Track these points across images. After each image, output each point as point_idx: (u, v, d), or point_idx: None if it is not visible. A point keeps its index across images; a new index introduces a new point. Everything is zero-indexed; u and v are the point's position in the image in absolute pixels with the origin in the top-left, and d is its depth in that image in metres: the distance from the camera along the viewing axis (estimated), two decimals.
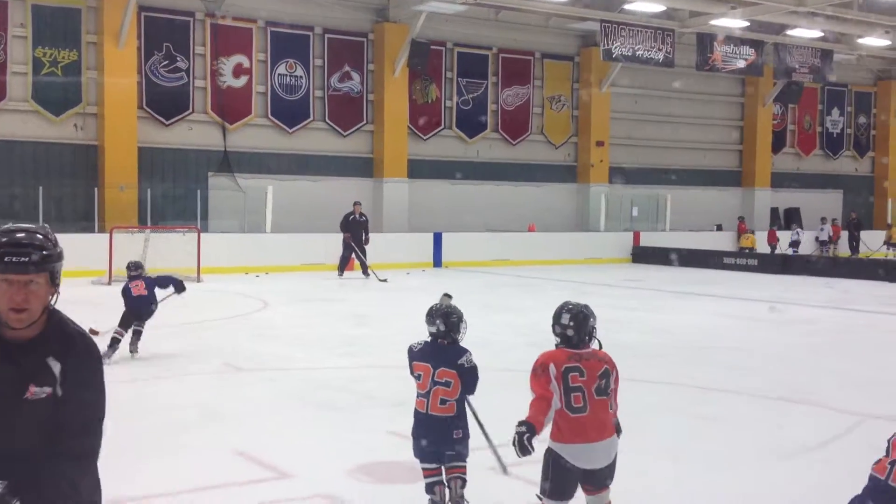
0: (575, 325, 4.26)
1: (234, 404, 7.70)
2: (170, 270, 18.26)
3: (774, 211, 32.56)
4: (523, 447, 4.00)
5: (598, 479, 4.25)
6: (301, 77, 24.14)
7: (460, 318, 4.78)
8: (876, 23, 26.67)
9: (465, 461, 4.69)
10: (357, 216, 20.19)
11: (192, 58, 22.64)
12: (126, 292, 10.23)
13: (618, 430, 4.29)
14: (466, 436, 4.68)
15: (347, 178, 24.80)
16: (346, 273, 19.87)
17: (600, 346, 4.37)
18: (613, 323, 12.80)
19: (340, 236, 20.29)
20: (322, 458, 5.85)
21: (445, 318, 4.72)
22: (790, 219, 32.37)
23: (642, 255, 26.12)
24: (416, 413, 4.68)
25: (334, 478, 5.37)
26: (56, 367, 2.65)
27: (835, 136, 34.66)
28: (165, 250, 18.24)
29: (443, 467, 4.68)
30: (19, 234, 2.66)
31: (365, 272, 19.59)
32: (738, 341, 11.93)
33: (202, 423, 7.04)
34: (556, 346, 4.31)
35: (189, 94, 22.71)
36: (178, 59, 22.46)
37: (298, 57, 24.09)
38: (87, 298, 15.30)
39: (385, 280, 18.50)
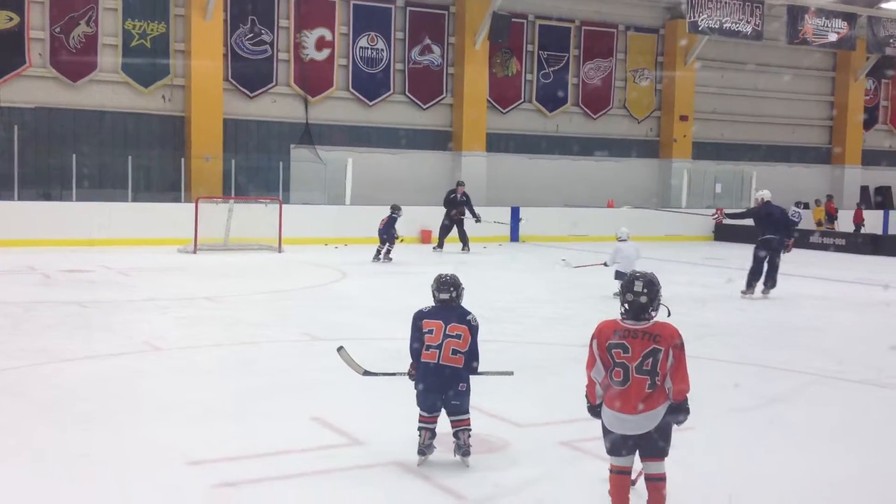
0: (648, 292, 4.37)
1: (310, 373, 7.87)
2: (252, 240, 18.81)
3: (865, 189, 31.53)
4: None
5: (644, 448, 4.40)
6: (382, 50, 24.26)
7: (463, 287, 5.56)
8: None
9: (468, 413, 5.35)
10: (458, 196, 20.22)
11: (276, 31, 22.94)
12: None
13: (682, 409, 4.38)
14: (468, 390, 5.31)
15: (426, 151, 24.90)
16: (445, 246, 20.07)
17: (669, 314, 4.41)
18: (692, 301, 12.65)
19: (418, 209, 20.54)
20: (394, 426, 5.96)
21: (456, 287, 5.47)
22: (883, 198, 31.31)
23: (725, 232, 25.60)
24: (425, 366, 5.27)
25: (406, 446, 5.47)
26: None
27: None
28: (248, 220, 18.64)
29: (449, 420, 5.31)
30: None
31: (466, 246, 19.82)
32: (819, 321, 11.66)
33: (279, 389, 7.22)
34: (622, 315, 4.44)
35: (273, 66, 23.04)
36: (262, 32, 22.79)
37: (380, 30, 24.19)
38: (174, 265, 15.79)
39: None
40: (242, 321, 10.38)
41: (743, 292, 13.50)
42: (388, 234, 17.42)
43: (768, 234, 13.55)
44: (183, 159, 21.40)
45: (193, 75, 21.59)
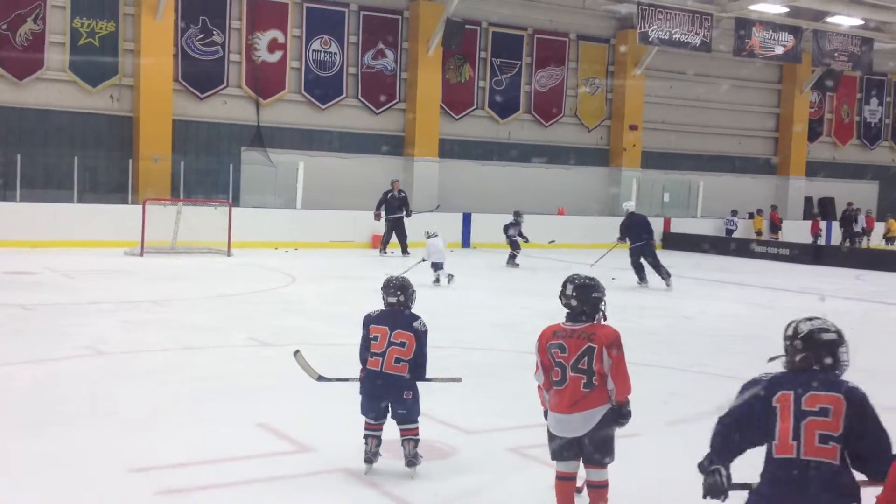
0: (578, 296, 4.46)
1: (257, 378, 7.81)
2: (200, 244, 18.61)
3: (809, 200, 32.20)
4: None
5: (585, 454, 4.45)
6: (335, 53, 24.19)
7: (414, 290, 5.45)
8: None
9: (416, 422, 5.24)
10: (395, 193, 20.46)
11: (227, 32, 22.76)
12: None
13: (622, 413, 4.42)
14: (416, 398, 5.24)
15: (379, 155, 24.88)
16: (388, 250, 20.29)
17: (604, 319, 4.47)
18: (640, 308, 12.82)
19: (369, 213, 20.57)
20: (342, 432, 5.93)
21: (404, 290, 5.36)
22: (824, 209, 32.00)
23: (672, 240, 25.98)
24: (370, 373, 5.22)
25: (354, 453, 5.45)
26: None
27: (872, 125, 34.16)
28: (197, 223, 18.43)
29: (398, 428, 5.24)
30: None
31: (405, 251, 19.97)
32: (762, 330, 11.88)
33: (225, 395, 7.16)
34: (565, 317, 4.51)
35: (224, 68, 22.85)
36: (213, 32, 22.59)
37: (333, 33, 24.13)
38: (120, 268, 15.56)
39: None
40: (189, 325, 10.27)
41: (638, 284, 15.53)
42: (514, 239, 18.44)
43: (637, 242, 15.60)
44: (130, 160, 21.11)
45: (142, 75, 21.32)
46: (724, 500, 3.31)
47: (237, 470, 5.34)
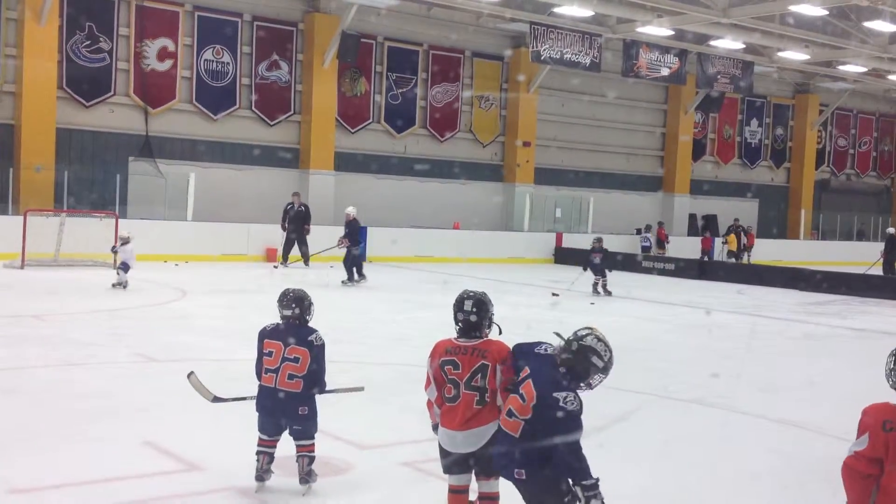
0: (477, 311, 4.47)
1: (143, 395, 7.59)
2: (85, 256, 18.00)
3: (693, 217, 33.34)
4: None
5: (478, 466, 4.48)
6: (228, 63, 23.81)
7: (311, 302, 5.31)
8: (795, 37, 27.50)
9: (311, 439, 5.18)
10: (296, 206, 20.42)
11: (115, 39, 22.13)
12: None
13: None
14: (312, 414, 5.15)
15: (273, 168, 24.58)
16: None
17: (500, 332, 4.52)
18: (533, 322, 12.99)
19: (263, 226, 20.45)
20: (232, 450, 5.82)
21: (300, 303, 5.23)
22: (708, 225, 33.17)
23: (564, 255, 26.48)
24: (263, 388, 5.14)
25: (244, 470, 5.35)
26: None
27: (753, 146, 35.65)
28: (82, 235, 17.81)
29: (294, 444, 5.17)
30: None
31: (306, 262, 20.28)
32: (647, 343, 12.22)
33: (111, 412, 6.93)
34: (456, 333, 4.53)
35: (111, 75, 22.20)
36: (100, 39, 21.94)
37: (226, 43, 23.75)
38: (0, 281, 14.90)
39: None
40: (72, 341, 9.90)
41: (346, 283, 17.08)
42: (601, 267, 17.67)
43: (354, 245, 17.51)
44: (11, 169, 20.27)
45: (25, 81, 20.51)
46: None
47: (123, 490, 5.17)
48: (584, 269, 17.70)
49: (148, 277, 16.69)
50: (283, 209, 20.92)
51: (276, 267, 20.03)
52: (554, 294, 16.96)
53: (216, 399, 5.49)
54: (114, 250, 15.68)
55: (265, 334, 5.24)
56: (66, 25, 21.33)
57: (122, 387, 7.92)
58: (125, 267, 14.91)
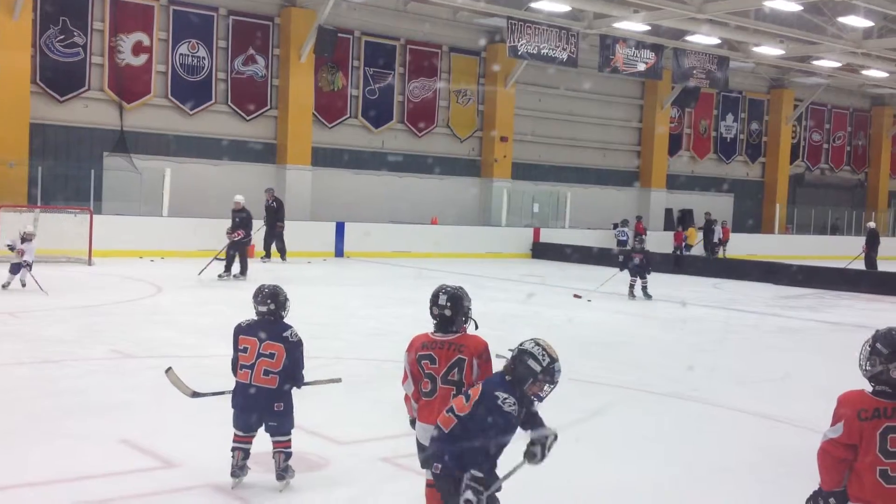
0: (452, 306, 4.45)
1: (119, 392, 7.53)
2: (59, 252, 17.83)
3: (669, 211, 33.51)
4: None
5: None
6: (204, 58, 23.65)
7: (286, 297, 5.29)
8: (771, 32, 27.69)
9: (287, 435, 5.17)
10: (270, 202, 20.34)
11: (89, 33, 21.93)
12: None
13: None
14: (288, 410, 5.15)
15: (249, 163, 24.47)
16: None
17: (476, 327, 4.51)
18: (510, 317, 13.02)
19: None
20: (208, 447, 5.78)
21: (275, 298, 5.21)
22: (684, 220, 33.36)
23: (541, 250, 26.55)
24: (239, 384, 5.13)
25: (220, 468, 5.32)
26: None
27: (728, 140, 35.88)
28: (56, 231, 17.64)
29: (271, 440, 5.15)
30: None
31: (283, 257, 20.33)
32: (626, 336, 12.28)
33: (85, 410, 6.87)
34: (433, 328, 4.51)
35: (85, 70, 22.00)
36: (74, 33, 21.73)
37: (201, 37, 23.58)
38: None
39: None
40: (46, 338, 9.82)
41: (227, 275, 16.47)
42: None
43: (245, 238, 16.90)
44: None
45: None
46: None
47: (99, 488, 5.13)
48: (622, 270, 16.62)
49: (123, 273, 16.57)
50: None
51: (263, 260, 19.82)
52: (576, 296, 16.00)
53: (195, 394, 5.47)
54: (10, 247, 13.65)
55: (240, 330, 5.22)
56: (39, 19, 21.11)
57: (98, 383, 7.86)
58: (28, 265, 13.45)
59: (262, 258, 20.16)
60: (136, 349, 9.41)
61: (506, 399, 3.90)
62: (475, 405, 3.93)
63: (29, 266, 13.45)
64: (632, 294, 16.40)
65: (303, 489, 5.25)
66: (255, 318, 5.25)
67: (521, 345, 4.05)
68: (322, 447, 6.04)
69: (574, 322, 13.31)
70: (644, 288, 16.44)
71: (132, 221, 20.66)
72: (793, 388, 9.15)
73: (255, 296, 5.28)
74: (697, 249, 29.29)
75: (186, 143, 23.63)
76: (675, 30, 27.90)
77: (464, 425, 3.93)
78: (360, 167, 26.43)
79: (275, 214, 20.58)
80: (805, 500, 3.69)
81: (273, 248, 20.54)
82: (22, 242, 13.45)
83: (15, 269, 13.45)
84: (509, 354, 4.07)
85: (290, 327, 5.22)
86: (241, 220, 16.96)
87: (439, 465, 3.98)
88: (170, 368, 5.55)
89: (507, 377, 3.99)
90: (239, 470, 5.20)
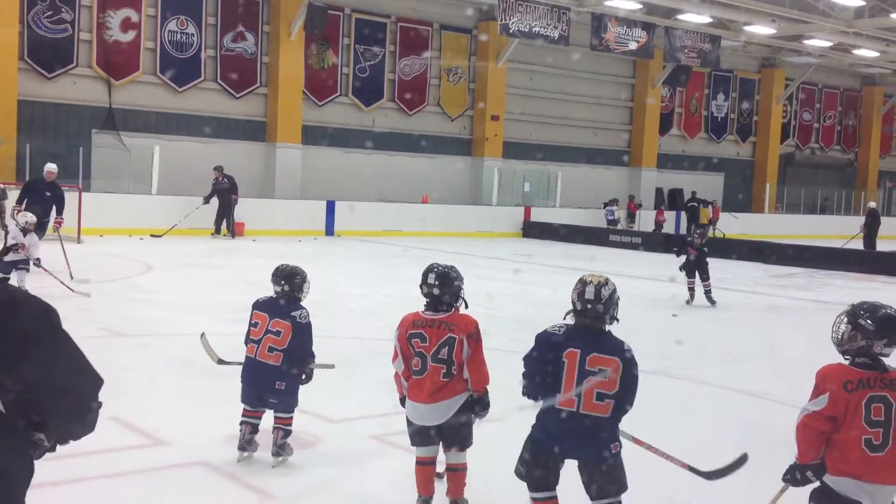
0: (440, 284, 4.46)
1: (109, 370, 7.44)
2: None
3: (659, 191, 33.53)
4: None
5: (444, 439, 4.51)
6: (192, 35, 23.48)
7: (304, 279, 5.31)
8: (762, 11, 27.64)
9: (290, 413, 5.19)
10: (220, 179, 20.74)
11: (77, 9, 21.74)
12: None
13: (482, 404, 4.48)
14: (292, 390, 5.16)
15: (239, 141, 24.37)
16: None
17: (466, 306, 4.52)
18: (502, 295, 13.05)
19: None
20: (200, 425, 5.80)
21: (289, 279, 5.24)
22: (673, 199, 33.41)
23: (532, 229, 26.57)
24: (247, 359, 5.18)
25: (211, 445, 5.34)
26: None
27: (719, 120, 35.88)
28: None
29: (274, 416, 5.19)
30: None
31: (232, 234, 20.87)
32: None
33: None
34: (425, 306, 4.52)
35: (73, 46, 21.83)
36: (62, 9, 21.54)
37: (190, 14, 23.41)
38: None
39: None
40: None
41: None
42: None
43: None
44: None
45: None
46: None
47: (90, 465, 5.13)
48: (682, 270, 13.59)
49: (112, 251, 16.52)
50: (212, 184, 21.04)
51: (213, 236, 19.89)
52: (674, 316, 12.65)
53: (221, 361, 5.59)
54: (13, 247, 10.81)
55: (256, 305, 5.29)
56: None
57: None
58: (37, 261, 10.94)
59: (211, 235, 20.40)
60: (125, 327, 9.41)
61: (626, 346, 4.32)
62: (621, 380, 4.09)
63: (38, 262, 10.92)
64: (691, 298, 13.42)
65: (293, 466, 5.27)
66: (273, 295, 5.30)
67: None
68: (313, 425, 6.05)
69: (564, 299, 13.33)
70: (707, 293, 13.27)
71: (121, 199, 20.58)
72: (782, 366, 9.20)
73: (273, 275, 5.33)
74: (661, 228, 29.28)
75: (175, 121, 23.50)
76: (666, 8, 27.81)
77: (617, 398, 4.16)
78: (350, 145, 26.35)
79: (229, 192, 20.76)
80: (782, 473, 3.74)
81: (223, 225, 20.78)
82: (24, 235, 10.84)
83: (6, 268, 10.77)
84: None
85: (302, 308, 5.24)
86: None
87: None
88: (203, 334, 5.70)
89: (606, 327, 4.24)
90: (246, 444, 5.22)
